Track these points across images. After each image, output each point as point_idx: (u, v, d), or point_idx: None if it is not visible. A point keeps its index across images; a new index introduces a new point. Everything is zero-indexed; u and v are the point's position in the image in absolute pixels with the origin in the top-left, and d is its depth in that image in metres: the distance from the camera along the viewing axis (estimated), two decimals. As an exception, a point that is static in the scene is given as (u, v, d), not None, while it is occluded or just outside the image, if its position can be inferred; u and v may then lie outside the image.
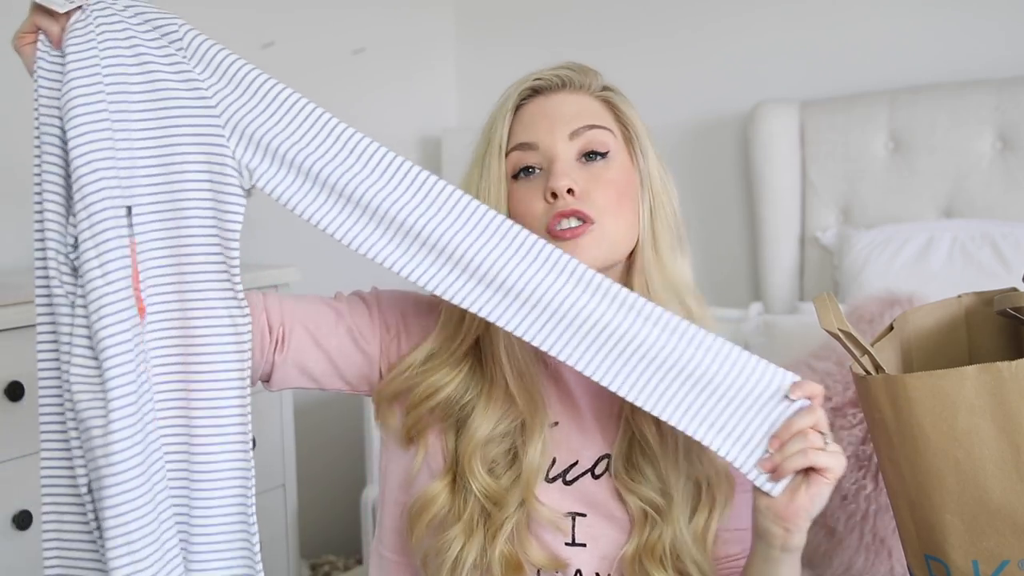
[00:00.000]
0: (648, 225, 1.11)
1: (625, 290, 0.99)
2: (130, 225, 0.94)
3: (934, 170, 2.11)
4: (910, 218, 2.12)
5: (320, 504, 2.45)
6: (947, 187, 2.11)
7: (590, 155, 1.08)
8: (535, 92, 1.11)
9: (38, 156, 0.96)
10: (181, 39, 0.97)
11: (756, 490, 0.99)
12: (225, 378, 0.97)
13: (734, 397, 0.99)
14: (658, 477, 1.09)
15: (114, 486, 0.88)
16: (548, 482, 1.10)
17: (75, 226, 0.92)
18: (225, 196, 0.97)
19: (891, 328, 1.14)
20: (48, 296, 0.94)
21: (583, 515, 1.10)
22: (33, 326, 1.50)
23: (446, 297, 0.99)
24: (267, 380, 1.11)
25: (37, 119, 0.96)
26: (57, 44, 0.95)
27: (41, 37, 0.97)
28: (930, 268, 1.99)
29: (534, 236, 0.99)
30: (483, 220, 0.98)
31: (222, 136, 0.97)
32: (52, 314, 0.94)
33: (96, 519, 0.92)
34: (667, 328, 0.99)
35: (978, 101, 2.07)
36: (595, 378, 0.99)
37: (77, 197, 0.91)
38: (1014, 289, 1.12)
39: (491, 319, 0.99)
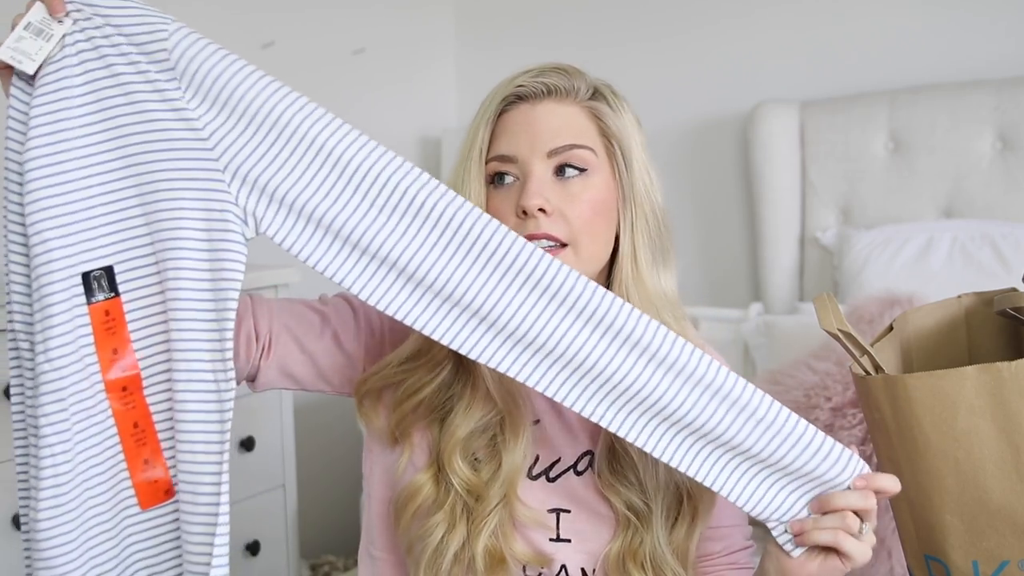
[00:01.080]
0: (628, 239, 1.09)
1: (642, 321, 0.93)
2: (108, 287, 0.90)
3: (934, 170, 2.11)
4: (910, 218, 2.12)
5: (320, 504, 2.45)
6: (947, 187, 2.11)
7: (568, 169, 1.07)
8: (519, 98, 1.09)
9: (4, 197, 0.90)
10: (171, 59, 0.89)
11: (774, 540, 0.99)
12: (203, 450, 0.91)
13: (780, 468, 0.95)
14: (639, 483, 1.09)
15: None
16: (531, 479, 1.11)
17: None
18: (223, 245, 0.90)
19: (891, 328, 1.14)
20: (17, 359, 0.91)
21: (567, 511, 1.11)
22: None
23: (479, 359, 0.95)
24: (252, 381, 1.11)
25: (6, 156, 0.89)
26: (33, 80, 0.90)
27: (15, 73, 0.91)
28: (930, 268, 1.99)
29: (529, 249, 0.94)
30: (480, 240, 0.92)
31: (222, 181, 0.90)
32: (20, 376, 0.91)
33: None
34: (700, 383, 0.91)
35: (978, 101, 2.07)
36: (588, 416, 0.96)
37: (32, 266, 0.87)
38: (1014, 289, 1.12)
39: (493, 365, 0.95)
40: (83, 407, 0.88)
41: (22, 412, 0.92)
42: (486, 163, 1.08)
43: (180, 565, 0.95)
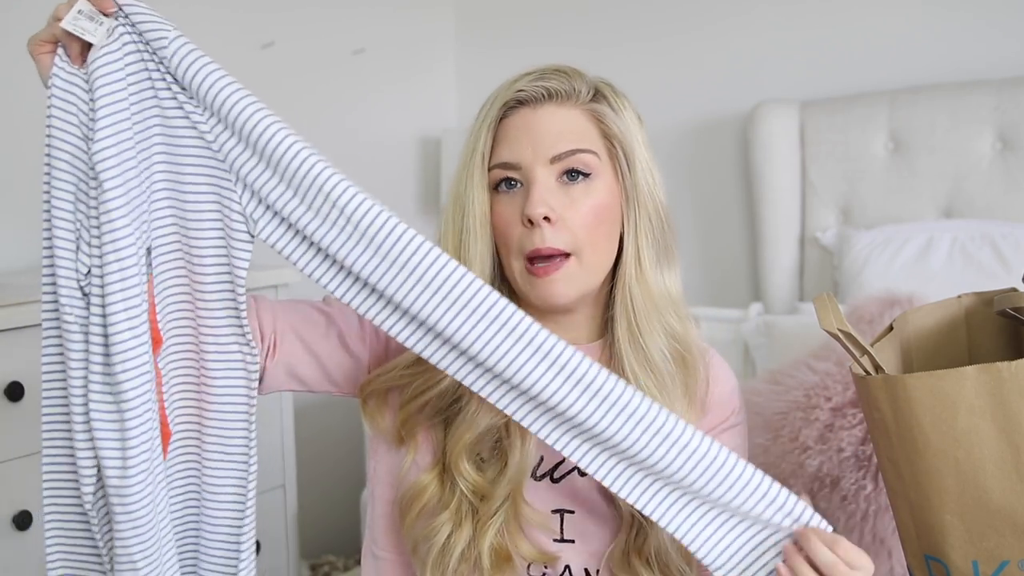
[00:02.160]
0: (632, 240, 1.10)
1: (617, 387, 0.95)
2: (149, 264, 0.98)
3: (934, 170, 2.11)
4: (910, 218, 2.12)
5: (320, 504, 2.45)
6: (947, 187, 2.11)
7: (572, 174, 1.07)
8: (520, 103, 1.09)
9: (47, 175, 0.95)
10: (177, 69, 0.95)
11: None
12: (233, 410, 1.02)
13: (728, 509, 0.97)
14: None
15: (125, 518, 0.95)
16: (536, 480, 1.11)
17: (91, 256, 0.94)
18: (234, 241, 0.98)
19: (891, 328, 1.14)
20: (56, 320, 0.96)
21: (571, 512, 1.11)
22: (33, 326, 1.51)
23: (440, 368, 1.00)
24: (259, 382, 1.11)
25: (49, 136, 0.94)
26: (76, 61, 0.94)
27: (60, 51, 0.95)
28: (930, 268, 1.99)
29: (527, 320, 0.95)
30: (474, 299, 0.94)
31: (229, 181, 0.98)
32: (59, 337, 0.96)
33: (100, 532, 0.98)
34: (661, 436, 0.95)
35: (978, 101, 2.06)
36: (578, 462, 0.99)
37: (106, 237, 0.93)
38: (1014, 289, 1.12)
39: (478, 391, 0.99)
40: (147, 369, 0.96)
41: (61, 407, 0.98)
42: (489, 169, 1.08)
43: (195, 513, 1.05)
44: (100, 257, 0.93)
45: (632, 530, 1.09)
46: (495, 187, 1.08)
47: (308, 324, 1.12)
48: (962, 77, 2.14)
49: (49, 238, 0.94)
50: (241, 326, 1.01)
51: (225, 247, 0.99)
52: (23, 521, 1.52)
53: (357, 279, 0.97)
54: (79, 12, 0.92)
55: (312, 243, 0.97)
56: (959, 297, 1.17)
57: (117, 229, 0.92)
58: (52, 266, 0.95)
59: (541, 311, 1.11)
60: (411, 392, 1.09)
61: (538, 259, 1.06)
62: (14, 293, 1.57)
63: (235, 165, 0.97)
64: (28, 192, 1.94)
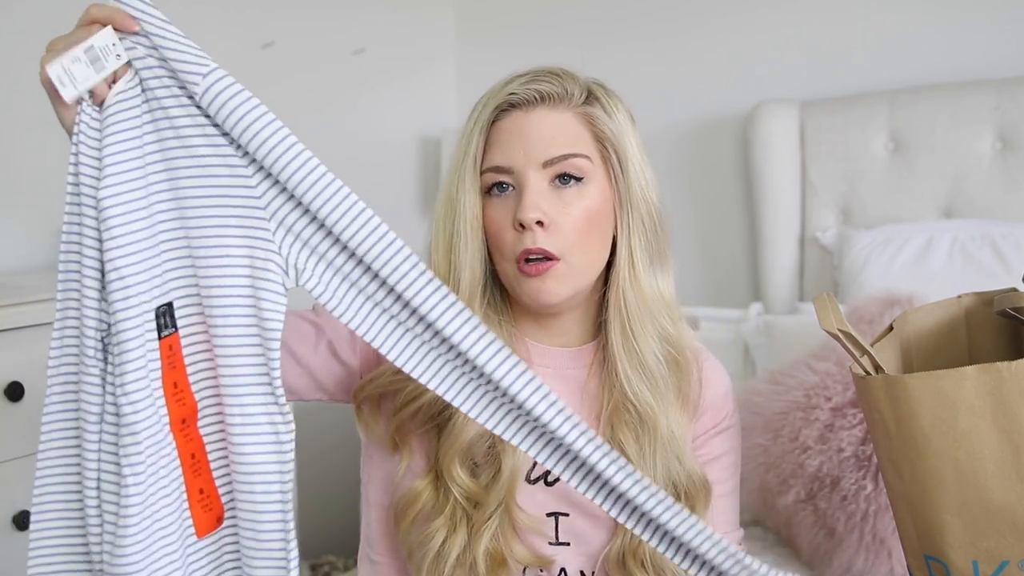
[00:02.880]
0: (625, 243, 1.10)
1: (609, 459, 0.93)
2: (170, 322, 0.90)
3: (934, 170, 2.11)
4: (910, 218, 2.12)
5: (320, 504, 2.45)
6: (947, 187, 2.11)
7: (564, 178, 1.07)
8: (512, 106, 1.08)
9: (76, 223, 0.87)
10: (205, 105, 0.87)
11: None
12: (263, 491, 0.91)
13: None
14: None
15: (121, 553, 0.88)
16: (530, 483, 1.11)
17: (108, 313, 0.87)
18: (265, 292, 0.90)
19: (891, 328, 1.14)
20: (76, 369, 0.89)
21: (566, 515, 1.11)
22: (33, 326, 1.51)
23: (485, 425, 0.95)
24: None
25: (76, 181, 0.87)
26: (99, 101, 0.88)
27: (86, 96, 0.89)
28: (930, 268, 1.99)
29: (527, 374, 0.92)
30: (495, 358, 0.90)
31: (267, 230, 0.89)
32: (78, 382, 0.89)
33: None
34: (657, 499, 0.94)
35: (978, 101, 2.06)
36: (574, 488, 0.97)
37: (109, 298, 0.86)
38: (1014, 289, 1.12)
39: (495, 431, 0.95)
40: (154, 441, 0.88)
41: (64, 420, 0.91)
42: (481, 173, 1.08)
43: None
44: (111, 314, 0.86)
45: (627, 533, 1.09)
46: (487, 191, 1.08)
47: (296, 335, 1.11)
48: (962, 77, 2.14)
49: (79, 293, 0.87)
50: (273, 392, 0.91)
51: (252, 303, 0.90)
52: (23, 521, 1.52)
53: (400, 325, 0.91)
54: (85, 52, 0.85)
55: (355, 285, 0.91)
56: (959, 297, 1.17)
57: (114, 291, 0.85)
58: (79, 318, 0.87)
59: (534, 312, 1.11)
60: (403, 398, 1.09)
61: (529, 258, 1.06)
62: (14, 293, 1.57)
63: (281, 211, 0.89)
64: (28, 192, 1.94)
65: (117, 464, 0.87)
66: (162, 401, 0.89)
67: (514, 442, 0.94)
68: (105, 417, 0.88)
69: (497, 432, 0.94)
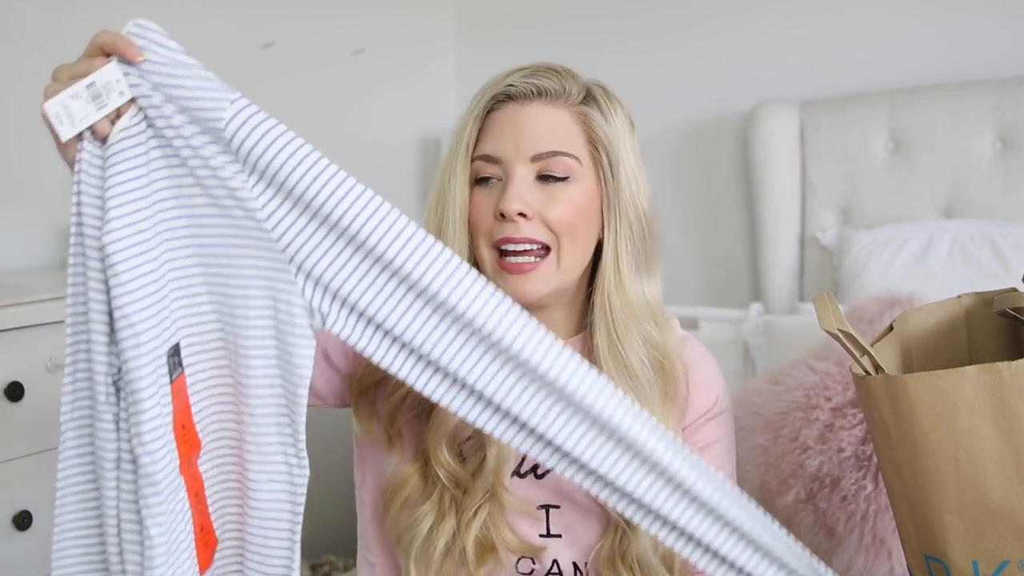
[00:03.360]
0: (612, 247, 1.10)
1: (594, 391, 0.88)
2: (178, 362, 0.88)
3: (934, 170, 2.11)
4: (910, 218, 2.12)
5: (320, 504, 2.45)
6: (947, 187, 2.11)
7: (548, 178, 1.07)
8: (509, 97, 1.09)
9: (80, 264, 0.84)
10: (229, 142, 0.84)
11: None
12: (274, 527, 0.91)
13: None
14: None
15: None
16: (520, 477, 1.12)
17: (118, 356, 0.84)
18: (291, 339, 0.87)
19: (891, 328, 1.14)
20: (90, 413, 0.87)
21: (556, 507, 1.12)
22: (33, 326, 1.51)
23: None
24: None
25: (79, 221, 0.83)
26: (101, 138, 0.84)
27: (87, 133, 0.85)
28: (930, 268, 1.99)
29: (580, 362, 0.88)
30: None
31: (288, 272, 0.87)
32: (92, 427, 0.87)
33: None
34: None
35: (978, 101, 2.06)
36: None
37: (120, 344, 0.83)
38: (1014, 289, 1.12)
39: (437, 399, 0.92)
40: (171, 487, 0.87)
41: (89, 469, 0.89)
42: (472, 161, 1.08)
43: None
44: (123, 361, 0.84)
45: (616, 534, 1.10)
46: (476, 181, 1.09)
47: None
48: (962, 77, 2.14)
49: (86, 332, 0.85)
50: (293, 434, 0.90)
51: (276, 344, 0.88)
52: (23, 521, 1.52)
53: (429, 364, 0.88)
54: (86, 88, 0.82)
55: (383, 329, 0.88)
56: (959, 297, 1.17)
57: (127, 338, 0.83)
58: (89, 361, 0.85)
59: None
60: (395, 383, 1.09)
61: (511, 252, 1.06)
62: (14, 293, 1.57)
63: (300, 254, 0.86)
64: (28, 192, 1.94)
65: (137, 512, 0.85)
66: (172, 444, 0.87)
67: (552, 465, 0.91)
68: (121, 464, 0.86)
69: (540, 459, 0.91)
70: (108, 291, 0.83)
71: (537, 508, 1.11)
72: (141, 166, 0.83)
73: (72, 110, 0.82)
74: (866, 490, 1.49)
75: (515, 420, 0.89)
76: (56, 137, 0.83)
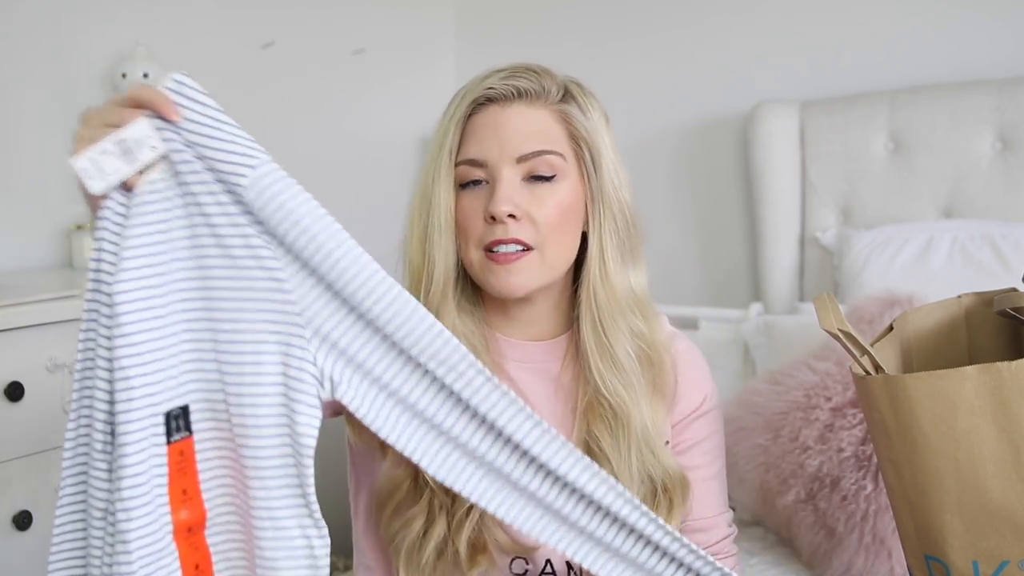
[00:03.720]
0: (597, 241, 1.11)
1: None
2: (184, 427, 0.85)
3: (934, 170, 2.11)
4: (910, 218, 2.12)
5: (320, 505, 2.45)
6: (947, 187, 2.11)
7: (536, 177, 1.08)
8: (490, 100, 1.09)
9: (94, 311, 0.83)
10: (249, 203, 0.83)
11: None
12: None
13: None
14: (612, 476, 1.10)
15: None
16: None
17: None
18: (297, 406, 0.85)
19: (891, 328, 1.14)
20: (87, 456, 0.86)
21: None
22: (33, 326, 1.51)
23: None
24: None
25: (97, 268, 0.82)
26: (128, 187, 0.83)
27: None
28: (930, 268, 1.99)
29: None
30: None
31: (303, 338, 0.85)
32: (87, 475, 0.86)
33: None
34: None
35: (978, 101, 2.06)
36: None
37: (114, 397, 0.82)
38: (1014, 289, 1.12)
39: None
40: (151, 550, 0.83)
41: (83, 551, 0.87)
42: (456, 165, 1.09)
43: None
44: (114, 415, 0.82)
45: None
46: (461, 185, 1.09)
47: None
48: (962, 77, 2.14)
49: (92, 379, 0.84)
50: (308, 504, 0.87)
51: (286, 412, 0.85)
52: (23, 521, 1.52)
53: (441, 435, 0.88)
54: (115, 144, 0.81)
55: (394, 397, 0.88)
56: (959, 297, 1.17)
57: (120, 391, 0.81)
58: (91, 408, 0.84)
59: (502, 303, 1.12)
60: None
61: (500, 248, 1.06)
62: (14, 293, 1.57)
63: (317, 318, 0.85)
64: (29, 192, 1.94)
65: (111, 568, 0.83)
66: (166, 508, 0.84)
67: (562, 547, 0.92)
68: (108, 516, 0.84)
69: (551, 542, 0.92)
70: (110, 345, 0.81)
71: None
72: (163, 221, 0.82)
73: (102, 165, 0.81)
74: (866, 490, 1.49)
75: (528, 496, 0.90)
76: (84, 188, 0.82)
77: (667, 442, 1.15)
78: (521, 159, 1.07)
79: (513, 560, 1.12)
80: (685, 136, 2.51)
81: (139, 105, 0.82)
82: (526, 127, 1.08)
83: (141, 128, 0.81)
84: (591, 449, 1.10)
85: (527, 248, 1.06)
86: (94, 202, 0.83)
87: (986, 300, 1.16)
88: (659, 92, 2.51)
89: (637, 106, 2.53)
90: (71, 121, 2.00)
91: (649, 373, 1.12)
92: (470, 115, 1.09)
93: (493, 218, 1.05)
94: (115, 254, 0.81)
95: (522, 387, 1.13)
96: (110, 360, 0.82)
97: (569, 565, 1.13)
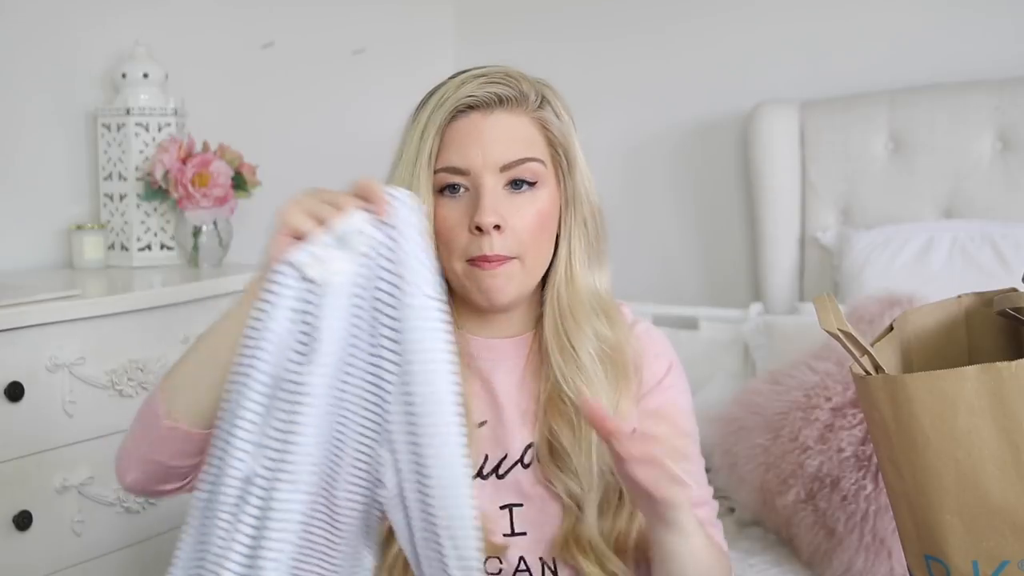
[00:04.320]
0: (566, 244, 1.12)
1: None
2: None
3: (934, 170, 2.11)
4: (910, 218, 2.12)
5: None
6: (947, 187, 2.11)
7: (519, 183, 1.08)
8: (470, 107, 1.08)
9: (240, 384, 0.86)
10: (415, 323, 0.86)
11: None
12: None
13: None
14: (574, 470, 1.11)
15: None
16: (483, 478, 1.13)
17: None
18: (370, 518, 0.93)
19: (891, 328, 1.14)
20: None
21: (519, 505, 1.13)
22: (33, 326, 1.51)
23: None
24: None
25: (257, 337, 0.85)
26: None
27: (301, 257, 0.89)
28: (930, 268, 1.99)
29: None
30: None
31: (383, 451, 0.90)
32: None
33: None
34: None
35: (978, 101, 2.06)
36: None
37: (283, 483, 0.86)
38: (1014, 289, 1.12)
39: None
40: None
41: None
42: (435, 172, 1.09)
43: None
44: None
45: (571, 517, 1.11)
46: (439, 190, 1.09)
47: None
48: (962, 77, 2.14)
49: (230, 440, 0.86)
50: None
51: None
52: (23, 521, 1.52)
53: None
54: (337, 238, 0.85)
55: None
56: (959, 297, 1.17)
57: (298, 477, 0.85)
58: (221, 465, 0.86)
59: (481, 310, 1.13)
60: None
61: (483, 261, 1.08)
62: (14, 293, 1.57)
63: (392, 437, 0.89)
64: (29, 193, 1.94)
65: None
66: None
67: None
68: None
69: None
70: (267, 413, 0.85)
71: (500, 508, 1.12)
72: (345, 316, 0.86)
73: (321, 256, 0.85)
74: (866, 490, 1.49)
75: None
76: (270, 268, 0.86)
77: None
78: (504, 167, 1.07)
79: (487, 560, 1.13)
80: (685, 136, 2.51)
81: (360, 196, 0.87)
82: (508, 134, 1.08)
83: (359, 220, 0.86)
84: (552, 445, 1.11)
85: (509, 257, 1.08)
86: (271, 265, 0.86)
87: (986, 300, 1.16)
88: (659, 92, 2.51)
89: (637, 106, 2.53)
90: (71, 121, 2.00)
91: (612, 372, 1.13)
92: (449, 121, 1.09)
93: (479, 228, 1.06)
94: (281, 331, 0.85)
95: (491, 382, 1.15)
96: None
97: (542, 561, 1.13)
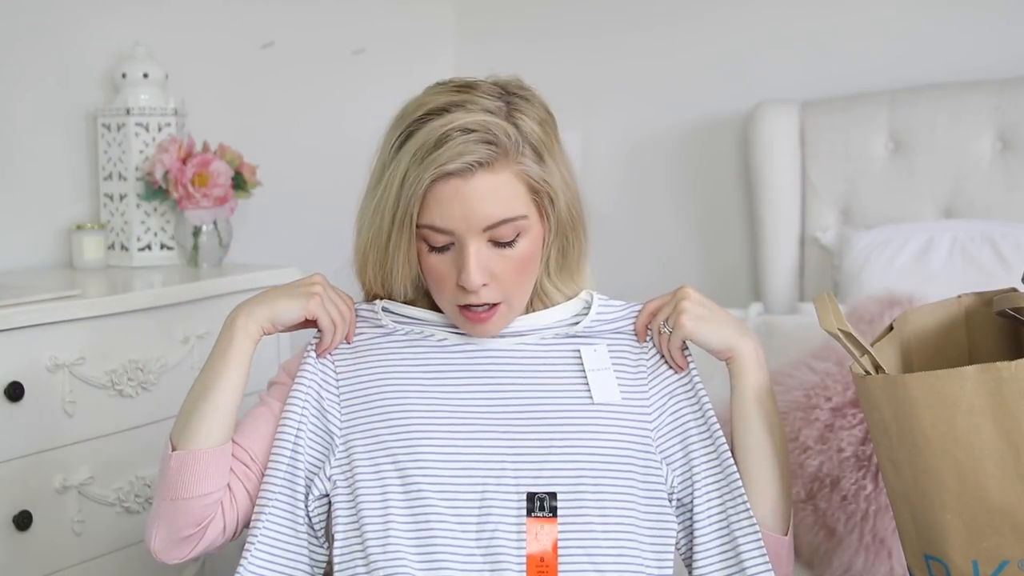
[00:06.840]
0: (546, 263, 1.17)
1: None
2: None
3: (934, 170, 2.11)
4: (910, 218, 2.12)
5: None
6: (947, 187, 2.11)
7: (501, 244, 1.10)
8: (449, 174, 1.07)
9: (295, 436, 1.15)
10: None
11: None
12: None
13: None
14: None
15: None
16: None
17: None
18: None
19: (891, 328, 1.14)
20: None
21: None
22: (33, 326, 1.51)
23: None
24: None
25: (320, 408, 1.16)
26: (320, 354, 1.17)
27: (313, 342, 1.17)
28: (930, 268, 1.99)
29: None
30: None
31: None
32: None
33: None
34: None
35: (978, 101, 2.06)
36: None
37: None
38: (1014, 289, 1.12)
39: None
40: None
41: None
42: (417, 227, 1.10)
43: None
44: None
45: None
46: (422, 239, 1.12)
47: (262, 442, 1.16)
48: (962, 77, 2.14)
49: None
50: None
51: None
52: (23, 521, 1.52)
53: None
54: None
55: None
56: (959, 297, 1.17)
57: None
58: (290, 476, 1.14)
59: None
60: None
61: (473, 309, 1.12)
62: (14, 293, 1.56)
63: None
64: (28, 193, 1.94)
65: None
66: None
67: None
68: None
69: None
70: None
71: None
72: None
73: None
74: (866, 490, 1.49)
75: None
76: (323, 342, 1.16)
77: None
78: (487, 228, 1.09)
79: None
80: (685, 136, 2.51)
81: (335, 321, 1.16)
82: (490, 196, 1.08)
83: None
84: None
85: (497, 304, 1.12)
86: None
87: (986, 300, 1.16)
88: (659, 92, 2.51)
89: (637, 106, 2.52)
90: (71, 121, 2.00)
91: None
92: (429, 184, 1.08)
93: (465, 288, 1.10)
94: (327, 398, 1.16)
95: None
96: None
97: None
